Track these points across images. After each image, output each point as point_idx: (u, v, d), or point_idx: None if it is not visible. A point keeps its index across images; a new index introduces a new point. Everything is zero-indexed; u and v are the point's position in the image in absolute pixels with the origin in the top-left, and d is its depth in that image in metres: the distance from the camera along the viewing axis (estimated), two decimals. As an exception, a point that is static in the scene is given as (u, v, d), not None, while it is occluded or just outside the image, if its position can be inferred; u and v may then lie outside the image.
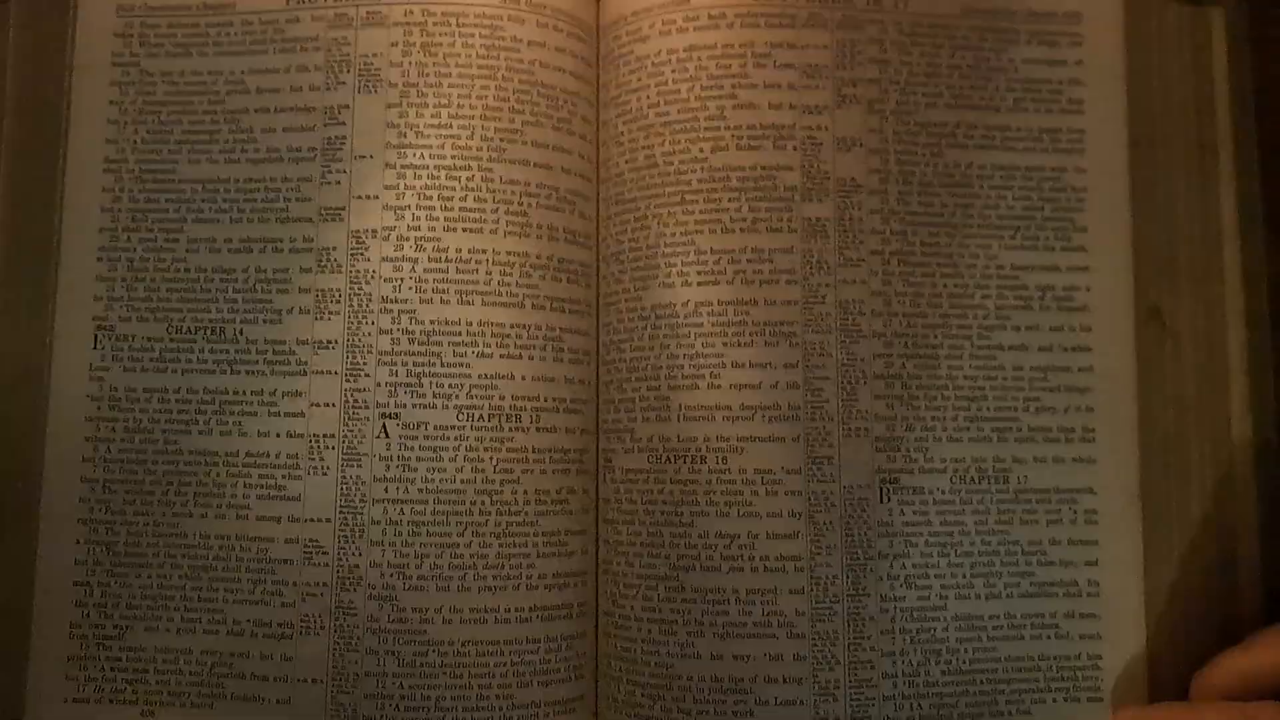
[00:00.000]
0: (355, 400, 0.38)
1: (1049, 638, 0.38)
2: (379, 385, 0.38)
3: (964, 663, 0.38)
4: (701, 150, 0.39)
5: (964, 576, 0.38)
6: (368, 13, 0.40)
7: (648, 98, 0.40)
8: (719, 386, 0.38)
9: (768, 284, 0.39)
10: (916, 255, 0.39)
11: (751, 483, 0.38)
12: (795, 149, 0.39)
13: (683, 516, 0.38)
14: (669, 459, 0.38)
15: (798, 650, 0.37)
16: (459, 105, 0.39)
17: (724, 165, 0.39)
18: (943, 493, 0.39)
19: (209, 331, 0.39)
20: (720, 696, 0.37)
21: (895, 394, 0.39)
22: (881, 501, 0.38)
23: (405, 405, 0.38)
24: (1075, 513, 0.39)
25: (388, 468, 0.38)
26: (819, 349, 0.39)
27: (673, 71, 0.40)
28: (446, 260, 0.39)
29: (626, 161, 0.40)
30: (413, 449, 0.38)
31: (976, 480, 0.39)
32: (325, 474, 0.38)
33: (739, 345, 0.38)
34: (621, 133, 0.40)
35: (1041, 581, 0.39)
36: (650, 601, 0.38)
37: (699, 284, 0.39)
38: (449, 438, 0.38)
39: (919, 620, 0.38)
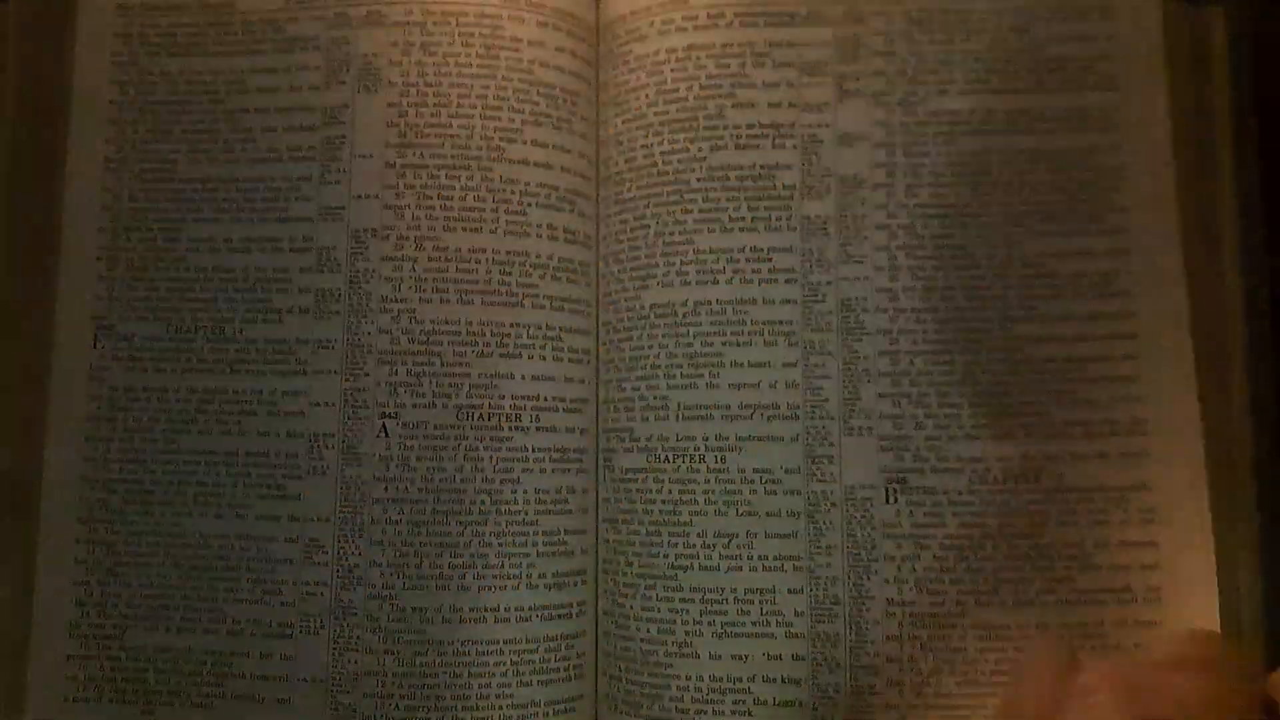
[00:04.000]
0: (355, 400, 0.38)
1: (1094, 649, 0.36)
2: (379, 385, 0.38)
3: (984, 674, 0.36)
4: (700, 149, 0.39)
5: (986, 582, 0.37)
6: (368, 12, 0.40)
7: (647, 97, 0.40)
8: (717, 386, 0.38)
9: (766, 283, 0.38)
10: (926, 249, 0.38)
11: (750, 481, 0.38)
12: (795, 147, 0.39)
13: (681, 515, 0.38)
14: (668, 458, 0.38)
15: (796, 650, 0.37)
16: (459, 105, 0.39)
17: (722, 164, 0.39)
18: (960, 494, 0.37)
19: (209, 331, 0.39)
20: (719, 696, 0.37)
21: (902, 392, 0.38)
22: (887, 502, 0.37)
23: (405, 405, 0.38)
24: (1126, 512, 0.37)
25: (387, 467, 0.38)
26: (818, 347, 0.38)
27: (672, 71, 0.40)
28: (446, 259, 0.39)
29: (626, 161, 0.40)
30: (412, 448, 0.38)
31: (1000, 480, 0.37)
32: (325, 473, 0.38)
33: (737, 344, 0.38)
34: (621, 132, 0.40)
35: (1083, 589, 0.36)
36: (649, 601, 0.38)
37: (698, 283, 0.39)
38: (449, 437, 0.38)
39: (932, 627, 0.37)
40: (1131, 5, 0.39)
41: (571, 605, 0.39)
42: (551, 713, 0.38)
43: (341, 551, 0.38)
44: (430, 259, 0.39)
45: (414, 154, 0.39)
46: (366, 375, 0.38)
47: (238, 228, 0.40)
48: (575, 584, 0.39)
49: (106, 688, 0.38)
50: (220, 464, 0.39)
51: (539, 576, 0.38)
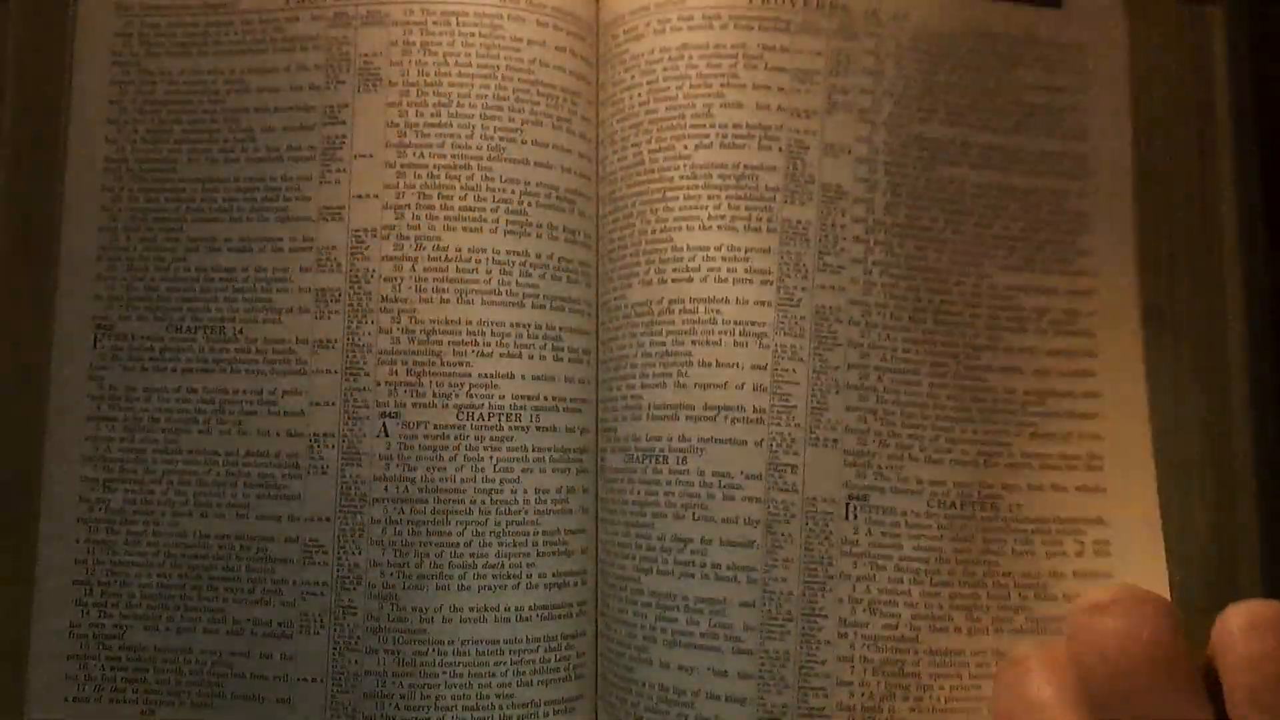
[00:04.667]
0: (355, 399, 0.38)
1: None
2: (379, 384, 0.38)
3: (938, 700, 0.36)
4: (685, 147, 0.39)
5: (940, 608, 0.36)
6: (368, 12, 0.40)
7: (639, 96, 0.40)
8: (685, 385, 0.38)
9: (741, 283, 0.38)
10: (900, 268, 0.38)
11: (709, 485, 0.37)
12: (780, 151, 0.38)
13: (644, 517, 0.38)
14: (639, 458, 0.38)
15: (743, 668, 0.36)
16: (459, 104, 0.39)
17: (706, 163, 0.38)
18: (918, 515, 0.37)
19: (209, 331, 0.39)
20: (665, 707, 0.36)
21: (869, 407, 0.37)
22: (847, 518, 0.37)
23: (405, 404, 0.38)
24: (1082, 545, 0.37)
25: (388, 467, 0.38)
26: (790, 353, 0.37)
27: (664, 70, 0.39)
28: (446, 259, 0.39)
29: (619, 159, 0.40)
30: (412, 448, 0.38)
31: (959, 505, 0.37)
32: (325, 473, 0.38)
33: (707, 344, 0.38)
34: (615, 131, 0.40)
35: (1040, 618, 0.37)
36: (620, 602, 0.38)
37: (674, 280, 0.38)
38: (449, 437, 0.38)
39: (885, 651, 0.36)
40: (1103, 62, 0.40)
41: (571, 605, 0.39)
42: (551, 713, 0.38)
43: (341, 551, 0.38)
44: (430, 259, 0.39)
45: (414, 154, 0.39)
46: (366, 375, 0.38)
47: (238, 228, 0.40)
48: (575, 584, 0.39)
49: (106, 688, 0.38)
50: (220, 464, 0.39)
51: (539, 576, 0.38)
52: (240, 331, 0.39)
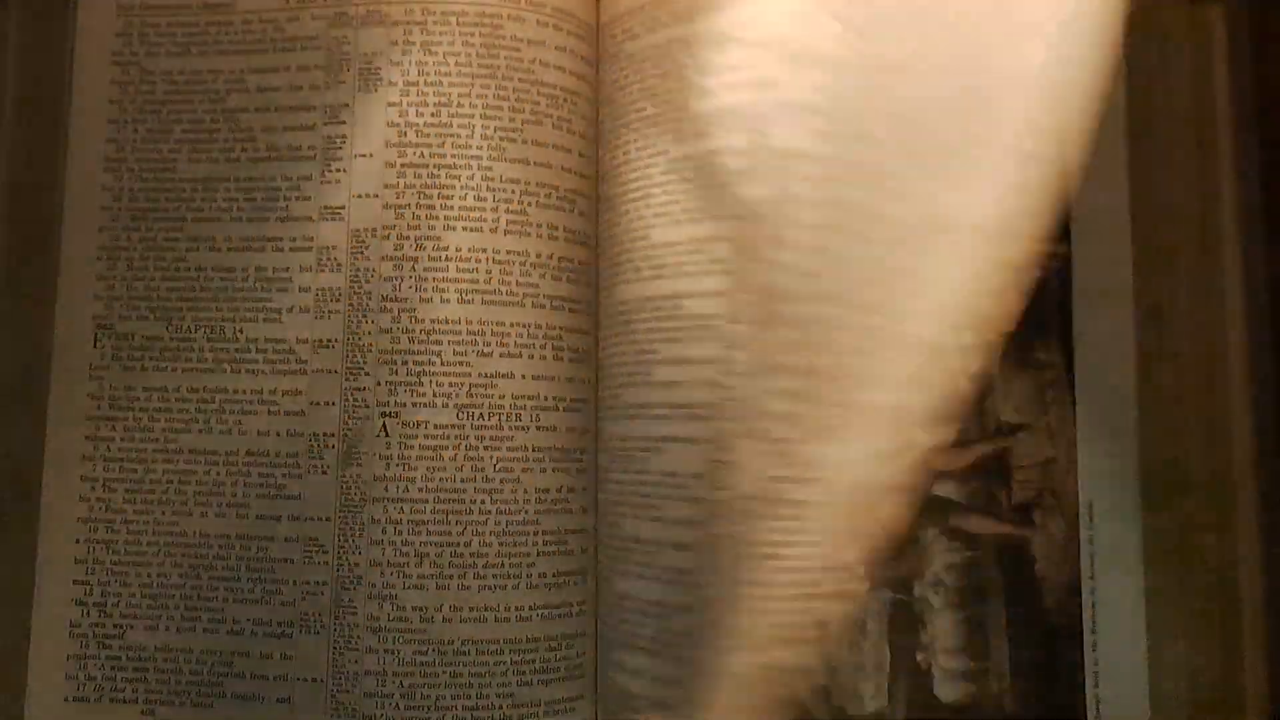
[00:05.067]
0: (355, 399, 0.38)
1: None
2: (379, 384, 0.38)
3: None
4: (664, 143, 0.38)
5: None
6: (368, 11, 0.40)
7: (630, 95, 0.39)
8: (650, 383, 0.37)
9: (699, 275, 0.36)
10: (856, 224, 0.34)
11: (659, 485, 0.36)
12: (744, 129, 0.36)
13: (611, 517, 0.38)
14: (616, 458, 0.38)
15: (680, 675, 0.35)
16: (459, 104, 0.39)
17: (682, 156, 0.38)
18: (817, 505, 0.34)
19: (209, 331, 0.39)
20: (618, 711, 0.37)
21: (795, 389, 0.34)
22: (764, 518, 0.34)
23: (405, 404, 0.38)
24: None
25: (388, 467, 0.38)
26: (734, 341, 0.35)
27: (653, 67, 0.39)
28: (446, 259, 0.39)
29: (610, 159, 0.40)
30: (413, 448, 0.38)
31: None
32: (325, 473, 0.38)
33: (670, 340, 0.37)
34: (610, 130, 0.40)
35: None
36: (601, 604, 0.38)
37: (648, 278, 0.38)
38: (449, 436, 0.38)
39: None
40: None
41: (571, 605, 0.39)
42: (551, 713, 0.38)
43: (341, 551, 0.38)
44: (430, 259, 0.39)
45: (414, 154, 0.39)
46: (366, 375, 0.38)
47: (238, 227, 0.40)
48: (575, 583, 0.39)
49: (106, 688, 0.38)
50: (220, 463, 0.39)
51: (539, 576, 0.38)
52: (240, 331, 0.39)
